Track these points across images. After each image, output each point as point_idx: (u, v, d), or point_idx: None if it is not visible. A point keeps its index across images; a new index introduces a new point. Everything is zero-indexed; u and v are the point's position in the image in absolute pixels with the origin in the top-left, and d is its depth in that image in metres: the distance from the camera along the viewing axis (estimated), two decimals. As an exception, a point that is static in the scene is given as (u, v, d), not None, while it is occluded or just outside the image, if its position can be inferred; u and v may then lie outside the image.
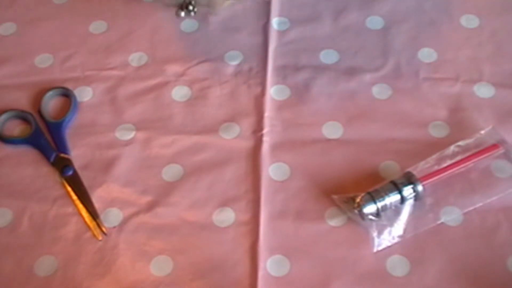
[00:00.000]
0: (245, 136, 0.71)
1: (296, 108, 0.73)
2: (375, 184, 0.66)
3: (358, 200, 0.64)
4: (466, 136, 0.69)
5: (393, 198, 0.64)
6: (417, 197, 0.64)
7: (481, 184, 0.66)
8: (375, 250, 0.63)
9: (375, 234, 0.63)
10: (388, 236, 0.63)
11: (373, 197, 0.64)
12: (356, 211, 0.64)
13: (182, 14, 0.71)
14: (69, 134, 0.73)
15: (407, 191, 0.64)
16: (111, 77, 0.77)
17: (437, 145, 0.69)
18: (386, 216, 0.64)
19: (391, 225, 0.64)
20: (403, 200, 0.64)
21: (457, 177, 0.66)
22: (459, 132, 0.70)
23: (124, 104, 0.75)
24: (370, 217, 0.63)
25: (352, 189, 0.66)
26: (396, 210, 0.64)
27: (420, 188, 0.64)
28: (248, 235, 0.65)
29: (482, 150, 0.67)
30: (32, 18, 0.83)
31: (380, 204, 0.63)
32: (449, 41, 0.78)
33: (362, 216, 0.63)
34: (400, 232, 0.64)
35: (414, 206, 0.65)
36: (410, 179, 0.64)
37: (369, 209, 0.63)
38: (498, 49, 0.77)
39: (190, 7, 0.70)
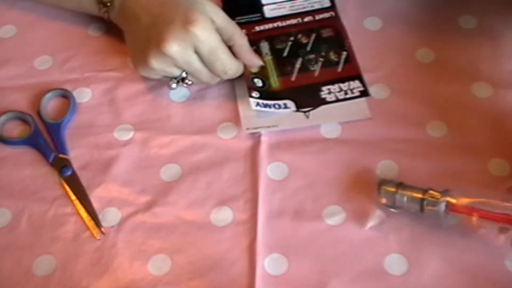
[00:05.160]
0: (243, 136, 0.71)
1: (294, 108, 0.74)
2: (373, 183, 0.66)
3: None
4: (464, 135, 0.69)
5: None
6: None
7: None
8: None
9: None
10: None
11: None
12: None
13: (174, 86, 0.72)
14: (68, 134, 0.73)
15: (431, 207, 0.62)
16: (110, 78, 0.77)
17: (435, 145, 0.69)
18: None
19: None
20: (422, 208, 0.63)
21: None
22: (457, 132, 0.70)
23: (123, 105, 0.75)
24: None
25: (350, 189, 0.67)
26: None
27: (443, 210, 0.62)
28: (246, 234, 0.65)
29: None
30: (31, 20, 0.83)
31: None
32: (447, 41, 0.78)
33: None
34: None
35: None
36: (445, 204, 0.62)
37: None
38: (496, 49, 0.77)
39: (187, 81, 0.72)
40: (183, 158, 0.70)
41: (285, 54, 0.77)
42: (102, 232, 0.66)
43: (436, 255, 0.62)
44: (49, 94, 0.75)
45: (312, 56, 0.76)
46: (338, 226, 0.65)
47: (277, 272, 0.62)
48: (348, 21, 0.80)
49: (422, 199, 0.62)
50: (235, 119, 0.73)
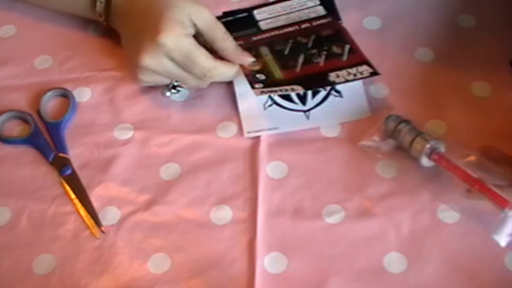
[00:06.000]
0: (243, 135, 0.71)
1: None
2: (372, 182, 0.67)
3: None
4: (464, 135, 0.69)
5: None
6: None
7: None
8: None
9: None
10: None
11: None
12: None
13: (168, 94, 0.73)
14: (68, 134, 0.73)
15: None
16: (110, 78, 0.77)
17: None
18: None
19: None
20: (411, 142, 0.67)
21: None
22: (457, 130, 0.70)
23: (122, 104, 0.75)
24: None
25: (350, 187, 0.67)
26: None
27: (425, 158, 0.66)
28: (245, 232, 0.65)
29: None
30: (31, 20, 0.83)
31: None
32: (446, 40, 0.78)
33: None
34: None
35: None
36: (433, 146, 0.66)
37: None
38: (496, 48, 0.77)
39: (178, 88, 0.73)
40: (183, 157, 0.70)
41: (286, 52, 0.75)
42: (102, 231, 0.66)
43: (436, 254, 0.63)
44: (49, 94, 0.75)
45: (314, 50, 0.74)
46: (337, 225, 0.65)
47: (277, 271, 0.62)
48: (348, 20, 0.80)
49: (415, 136, 0.66)
50: (235, 118, 0.73)
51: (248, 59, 0.72)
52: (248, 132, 0.71)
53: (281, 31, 0.77)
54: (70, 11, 0.80)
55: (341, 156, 0.70)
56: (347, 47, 0.74)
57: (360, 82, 0.73)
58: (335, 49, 0.74)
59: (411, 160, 0.67)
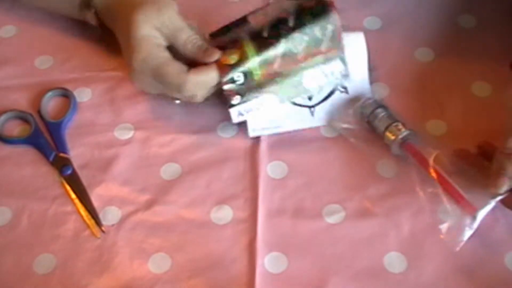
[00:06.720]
0: (243, 135, 0.72)
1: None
2: (373, 182, 0.67)
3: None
4: (464, 134, 0.69)
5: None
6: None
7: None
8: None
9: None
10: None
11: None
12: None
13: (177, 101, 0.72)
14: (69, 134, 0.73)
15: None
16: (110, 78, 0.77)
17: (435, 144, 0.69)
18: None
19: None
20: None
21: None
22: (457, 130, 0.70)
23: (123, 104, 0.75)
24: None
25: (350, 187, 0.67)
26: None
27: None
28: (246, 232, 0.65)
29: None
30: (32, 20, 0.83)
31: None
32: (446, 40, 0.78)
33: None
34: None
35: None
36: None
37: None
38: (495, 48, 0.77)
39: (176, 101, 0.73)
40: (183, 157, 0.71)
41: (265, 34, 0.69)
42: (102, 231, 0.66)
43: (436, 253, 0.63)
44: (49, 94, 0.76)
45: (296, 35, 0.68)
46: (337, 225, 0.65)
47: (277, 270, 0.63)
48: (348, 20, 0.79)
49: (390, 124, 0.67)
50: (235, 118, 0.73)
51: (215, 55, 0.67)
52: (253, 130, 0.71)
53: (266, 19, 0.71)
54: (67, 15, 0.80)
55: (341, 156, 0.70)
56: (329, 27, 0.70)
57: (366, 79, 0.73)
58: (317, 33, 0.69)
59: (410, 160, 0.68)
